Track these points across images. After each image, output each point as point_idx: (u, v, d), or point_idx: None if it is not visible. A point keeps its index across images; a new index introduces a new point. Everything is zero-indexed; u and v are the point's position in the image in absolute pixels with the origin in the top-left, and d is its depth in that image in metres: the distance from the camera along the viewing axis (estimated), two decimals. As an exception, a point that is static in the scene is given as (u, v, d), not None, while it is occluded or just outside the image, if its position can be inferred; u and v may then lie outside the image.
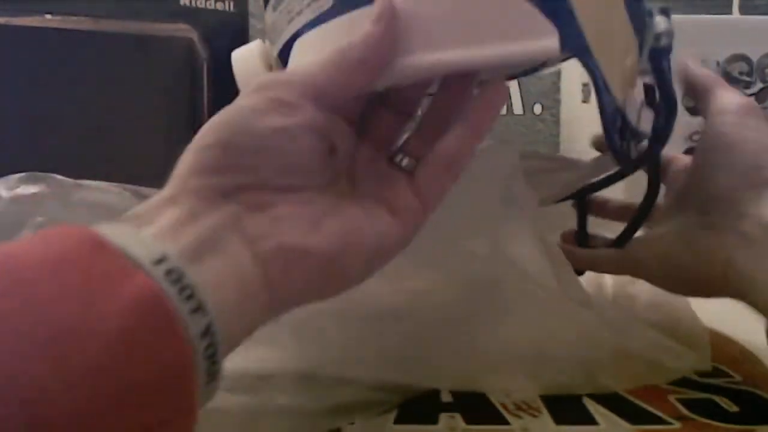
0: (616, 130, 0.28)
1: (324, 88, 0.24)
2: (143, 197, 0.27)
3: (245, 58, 0.33)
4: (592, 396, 0.32)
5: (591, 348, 0.33)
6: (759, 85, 0.63)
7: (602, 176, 0.40)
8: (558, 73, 0.83)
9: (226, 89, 0.68)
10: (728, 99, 0.35)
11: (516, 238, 0.35)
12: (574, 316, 0.34)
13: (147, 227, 0.20)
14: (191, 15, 0.60)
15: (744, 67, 0.63)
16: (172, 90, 0.58)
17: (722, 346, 0.38)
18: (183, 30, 0.58)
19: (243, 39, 0.66)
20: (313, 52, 0.27)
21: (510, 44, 0.23)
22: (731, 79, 0.62)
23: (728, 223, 0.32)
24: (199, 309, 0.19)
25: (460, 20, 0.24)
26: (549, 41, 0.23)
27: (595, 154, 0.40)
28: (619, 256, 0.38)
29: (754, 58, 0.62)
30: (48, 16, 0.53)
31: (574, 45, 0.24)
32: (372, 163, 0.27)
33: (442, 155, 0.26)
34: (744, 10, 0.77)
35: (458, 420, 0.30)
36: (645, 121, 0.32)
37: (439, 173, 0.26)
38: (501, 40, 0.23)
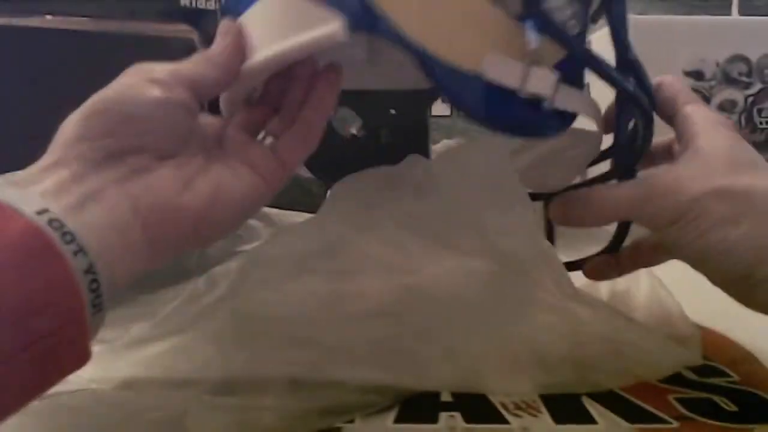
0: (477, 100, 0.29)
1: (193, 79, 0.30)
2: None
3: None
4: (591, 395, 0.32)
5: (583, 344, 0.33)
6: (758, 86, 0.63)
7: (587, 179, 0.39)
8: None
9: (226, 89, 0.67)
10: (700, 113, 0.34)
11: (508, 233, 0.35)
12: (566, 312, 0.34)
13: (33, 187, 0.24)
14: (191, 15, 0.60)
15: (743, 67, 0.63)
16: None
17: (721, 346, 0.38)
18: (183, 30, 0.58)
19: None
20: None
21: (302, 35, 0.28)
22: (730, 80, 0.63)
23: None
24: (80, 251, 0.23)
25: (270, 26, 0.30)
26: (334, 25, 0.27)
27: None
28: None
29: (754, 58, 0.63)
30: (48, 17, 0.53)
31: (367, 24, 0.27)
32: (240, 136, 0.32)
33: (298, 131, 0.32)
34: (743, 11, 0.77)
35: (458, 419, 0.30)
36: (570, 99, 0.31)
37: (296, 144, 0.32)
38: (297, 34, 0.28)
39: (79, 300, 0.23)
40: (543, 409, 0.31)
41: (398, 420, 0.30)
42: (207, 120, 0.32)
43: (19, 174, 0.25)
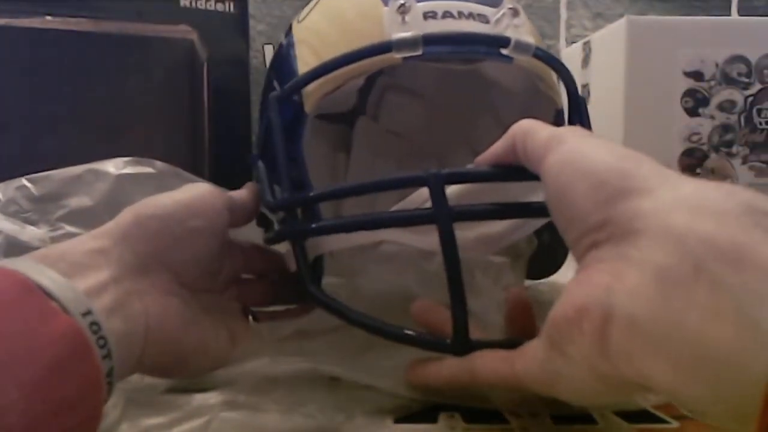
0: None
1: (240, 201, 0.35)
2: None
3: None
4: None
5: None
6: (758, 86, 0.63)
7: None
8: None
9: (225, 89, 0.68)
10: (553, 131, 0.27)
11: None
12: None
13: (79, 279, 0.25)
14: (191, 16, 0.60)
15: (743, 68, 0.63)
16: (172, 90, 0.58)
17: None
18: (183, 31, 0.58)
19: (243, 40, 0.66)
20: None
21: None
22: (730, 80, 0.63)
23: (603, 252, 0.22)
24: (108, 355, 0.25)
25: None
26: None
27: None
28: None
29: (753, 59, 0.63)
30: (48, 18, 0.53)
31: None
32: (229, 301, 0.35)
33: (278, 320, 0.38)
34: (743, 11, 0.77)
35: (458, 419, 0.30)
36: None
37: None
38: None
39: (103, 398, 0.24)
40: (543, 408, 0.31)
41: (398, 420, 0.30)
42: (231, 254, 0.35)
43: (67, 248, 0.27)
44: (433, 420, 0.30)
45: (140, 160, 0.42)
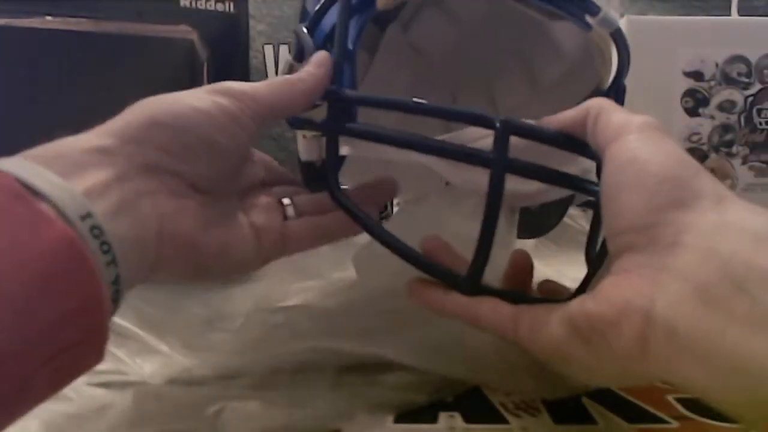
0: None
1: (269, 106, 0.30)
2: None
3: None
4: (591, 395, 0.32)
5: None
6: (758, 86, 0.63)
7: None
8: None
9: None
10: (625, 118, 0.27)
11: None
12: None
13: (77, 180, 0.23)
14: (191, 16, 0.60)
15: (743, 68, 0.63)
16: (172, 90, 0.58)
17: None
18: (183, 31, 0.58)
19: (243, 40, 0.66)
20: None
21: None
22: (730, 80, 0.63)
23: (644, 259, 0.23)
24: (112, 262, 0.22)
25: None
26: None
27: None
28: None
29: (753, 59, 0.63)
30: (48, 18, 0.53)
31: None
32: (265, 199, 0.32)
33: (315, 229, 0.32)
34: (743, 11, 0.77)
35: (458, 419, 0.30)
36: None
37: (305, 239, 0.32)
38: None
39: (105, 311, 0.22)
40: (542, 408, 0.31)
41: (398, 420, 0.30)
42: (254, 158, 0.33)
43: (65, 146, 0.24)
44: (433, 420, 0.30)
45: None
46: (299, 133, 0.36)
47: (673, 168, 0.24)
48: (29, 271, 0.19)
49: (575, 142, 0.29)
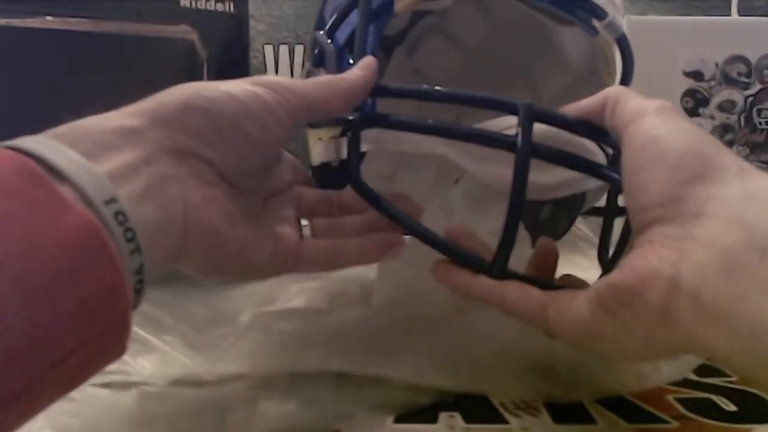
0: None
1: (308, 102, 0.29)
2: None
3: None
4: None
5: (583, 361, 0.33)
6: (758, 86, 0.63)
7: None
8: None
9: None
10: (642, 103, 0.27)
11: None
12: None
13: (103, 161, 0.22)
14: (191, 16, 0.60)
15: (743, 68, 0.63)
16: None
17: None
18: (183, 31, 0.58)
19: (243, 40, 0.66)
20: None
21: None
22: (730, 80, 0.63)
23: (670, 230, 0.23)
24: (136, 250, 0.22)
25: None
26: None
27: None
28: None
29: (753, 59, 0.63)
30: (49, 18, 0.53)
31: None
32: (288, 212, 0.32)
33: (330, 253, 0.32)
34: (743, 11, 0.77)
35: (458, 419, 0.30)
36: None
37: (317, 261, 0.31)
38: None
39: (128, 302, 0.21)
40: (542, 409, 0.31)
41: (398, 420, 0.30)
42: (285, 161, 0.33)
43: (91, 125, 0.23)
44: (433, 420, 0.30)
45: None
46: (313, 137, 0.36)
47: (695, 143, 0.25)
48: (47, 259, 0.18)
49: (596, 128, 0.30)
